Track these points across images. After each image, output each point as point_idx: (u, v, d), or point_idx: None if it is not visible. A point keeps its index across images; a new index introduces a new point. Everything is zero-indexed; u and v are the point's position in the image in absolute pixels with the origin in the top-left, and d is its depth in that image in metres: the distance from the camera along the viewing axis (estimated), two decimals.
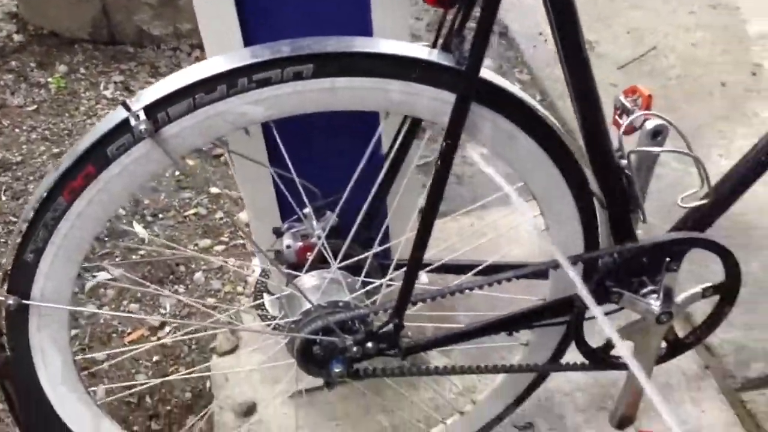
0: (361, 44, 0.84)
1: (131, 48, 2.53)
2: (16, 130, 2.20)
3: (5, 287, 0.86)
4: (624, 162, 0.94)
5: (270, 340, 1.23)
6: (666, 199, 0.96)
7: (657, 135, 0.92)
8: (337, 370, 1.00)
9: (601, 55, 2.42)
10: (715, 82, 2.29)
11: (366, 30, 1.01)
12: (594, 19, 2.59)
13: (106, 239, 1.82)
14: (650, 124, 0.91)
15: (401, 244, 1.08)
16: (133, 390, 1.46)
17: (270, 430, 1.42)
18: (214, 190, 2.01)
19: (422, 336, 1.06)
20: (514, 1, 2.63)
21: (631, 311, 1.06)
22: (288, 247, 1.06)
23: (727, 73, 2.32)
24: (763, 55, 2.40)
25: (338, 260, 1.02)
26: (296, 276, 1.04)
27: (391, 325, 0.99)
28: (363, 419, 1.44)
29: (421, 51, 0.84)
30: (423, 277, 1.27)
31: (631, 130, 0.93)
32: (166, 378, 1.50)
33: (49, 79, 2.39)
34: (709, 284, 1.07)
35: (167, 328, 1.65)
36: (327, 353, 0.99)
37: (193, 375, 1.53)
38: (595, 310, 0.85)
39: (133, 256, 1.81)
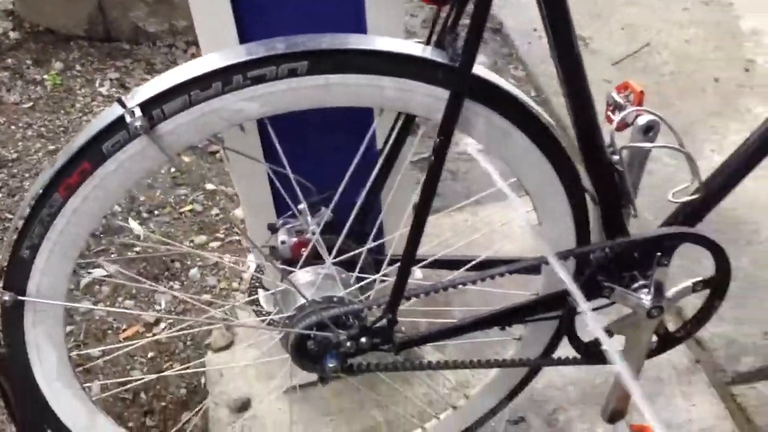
0: (355, 41, 0.84)
1: (127, 45, 2.53)
2: (12, 127, 2.21)
3: (1, 283, 0.87)
4: (616, 158, 0.94)
5: (265, 335, 1.23)
6: (659, 195, 0.97)
7: (649, 131, 0.92)
8: (331, 365, 1.00)
9: (595, 51, 2.43)
10: (708, 78, 2.31)
11: (360, 27, 1.01)
12: (589, 16, 2.59)
13: (102, 236, 1.83)
14: (642, 120, 0.92)
15: (395, 240, 1.09)
16: (128, 386, 1.47)
17: (264, 425, 1.43)
18: (209, 186, 2.01)
19: (416, 331, 1.07)
20: None
21: (623, 306, 1.07)
22: (283, 242, 1.06)
23: (720, 69, 2.34)
24: (755, 51, 2.41)
25: (332, 256, 1.03)
26: (291, 271, 1.04)
27: (384, 321, 0.99)
28: (357, 414, 1.44)
29: (414, 48, 0.85)
30: (417, 272, 1.28)
31: (623, 125, 0.93)
32: (162, 374, 1.50)
33: (45, 76, 2.39)
34: (699, 279, 1.08)
35: (162, 325, 1.65)
36: (321, 348, 1.00)
37: (188, 371, 1.53)
38: (582, 304, 0.86)
39: (129, 253, 1.81)
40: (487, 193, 0.99)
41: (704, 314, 1.14)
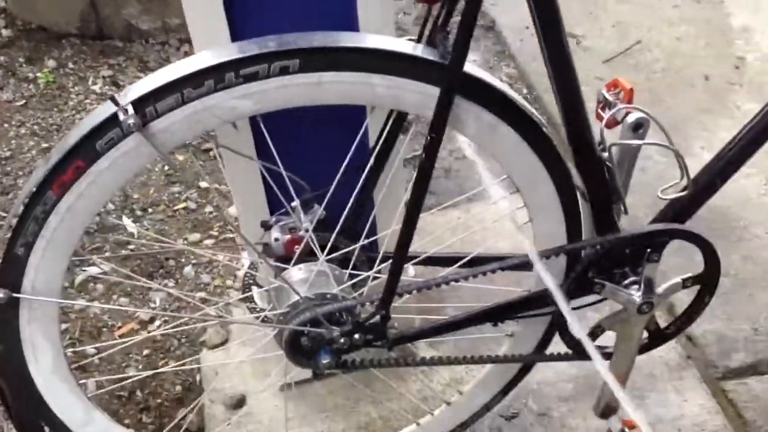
0: (346, 39, 0.85)
1: (120, 42, 2.53)
2: (5, 125, 2.21)
3: None
4: (606, 155, 0.95)
5: (259, 332, 1.24)
6: (650, 192, 0.98)
7: (638, 128, 0.93)
8: (325, 361, 1.01)
9: (587, 48, 2.44)
10: (699, 75, 2.32)
11: (352, 25, 1.02)
12: (581, 13, 2.60)
13: (96, 234, 1.83)
14: (631, 118, 0.93)
15: (388, 237, 1.09)
16: (123, 383, 1.47)
17: (260, 422, 1.44)
18: (203, 184, 2.02)
19: (409, 327, 1.07)
20: None
21: (614, 302, 1.08)
22: (276, 240, 1.07)
23: (711, 67, 2.35)
24: (745, 49, 2.42)
25: (326, 253, 1.04)
26: (284, 268, 1.05)
27: (377, 317, 1.00)
28: (352, 411, 1.45)
29: (405, 46, 0.86)
30: (410, 269, 1.28)
31: (613, 123, 0.94)
32: (157, 370, 1.51)
33: (38, 74, 2.39)
34: (689, 275, 1.09)
35: (157, 322, 1.66)
36: (315, 344, 1.00)
37: (183, 367, 1.54)
38: (562, 304, 0.87)
39: (123, 251, 1.81)
40: (479, 191, 1.00)
41: (695, 310, 1.15)
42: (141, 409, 1.49)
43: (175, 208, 1.95)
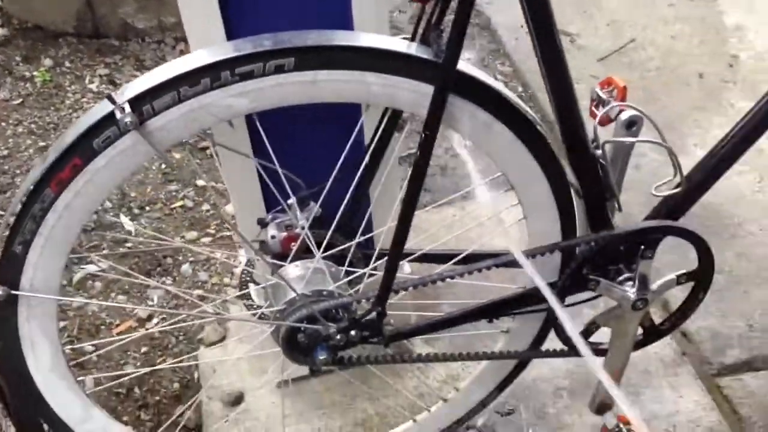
0: (341, 38, 0.85)
1: (116, 41, 2.53)
2: (2, 123, 2.21)
3: None
4: (599, 152, 0.96)
5: (256, 329, 1.25)
6: (645, 189, 0.99)
7: (632, 126, 0.94)
8: (321, 358, 1.01)
9: (581, 47, 2.45)
10: (693, 73, 2.33)
11: (347, 24, 1.03)
12: (575, 12, 2.61)
13: (93, 232, 1.83)
14: (625, 115, 0.93)
15: (384, 234, 1.10)
16: (121, 379, 1.48)
17: (257, 418, 1.44)
18: (200, 182, 2.02)
19: (405, 324, 1.08)
20: None
21: (608, 298, 1.09)
22: (273, 237, 1.07)
23: (705, 65, 2.36)
24: (739, 47, 2.44)
25: (322, 250, 1.04)
26: (281, 266, 1.06)
27: (374, 313, 1.00)
28: (349, 407, 1.46)
29: (400, 44, 0.86)
30: (406, 267, 1.29)
31: (606, 120, 0.94)
32: (155, 367, 1.51)
33: (35, 73, 2.39)
34: (683, 271, 1.10)
35: (155, 320, 1.66)
36: (311, 341, 1.01)
37: (181, 364, 1.54)
38: (552, 301, 0.87)
39: (120, 249, 1.82)
40: (474, 189, 1.00)
41: (689, 306, 1.15)
42: (139, 406, 1.50)
43: (173, 206, 1.95)
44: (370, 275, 1.09)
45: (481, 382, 1.27)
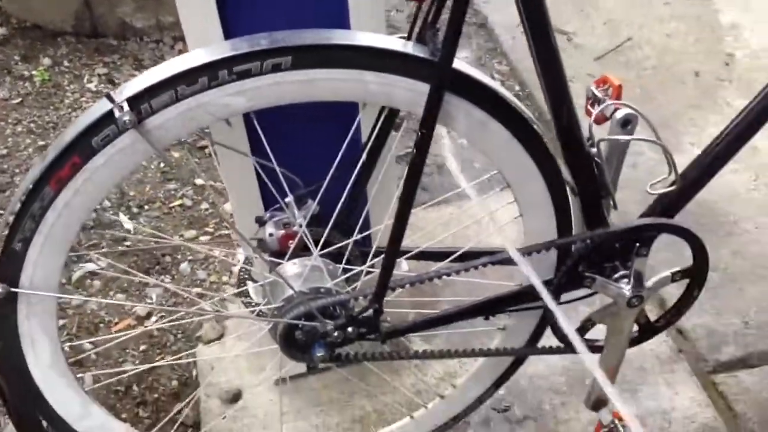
0: (338, 37, 0.86)
1: (114, 41, 2.54)
2: (1, 123, 2.21)
3: None
4: (594, 150, 0.96)
5: (254, 326, 1.25)
6: (641, 187, 1.00)
7: (627, 124, 0.94)
8: (319, 355, 1.02)
9: (578, 46, 2.45)
10: (689, 71, 2.34)
11: (344, 23, 1.03)
12: (572, 11, 2.62)
13: (92, 230, 1.84)
14: (620, 114, 0.93)
15: (381, 232, 1.11)
16: (120, 376, 1.49)
17: (255, 416, 1.45)
18: (198, 181, 2.03)
19: (402, 321, 1.09)
20: None
21: (604, 295, 1.09)
22: (270, 235, 1.08)
23: (700, 63, 2.36)
24: (734, 46, 2.45)
25: (319, 248, 1.05)
26: (279, 263, 1.06)
27: (371, 311, 1.01)
28: (347, 404, 1.47)
29: (396, 43, 0.87)
30: (404, 264, 1.30)
31: (601, 119, 0.95)
32: (154, 364, 1.52)
33: (34, 72, 2.39)
34: (678, 269, 1.10)
35: (154, 318, 1.67)
36: (309, 338, 1.02)
37: (179, 361, 1.55)
38: (546, 298, 0.88)
39: (119, 247, 1.82)
40: (470, 188, 1.01)
41: (684, 303, 1.16)
42: (138, 403, 1.50)
43: (171, 205, 1.96)
44: (367, 273, 1.10)
45: (478, 379, 1.27)
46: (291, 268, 1.06)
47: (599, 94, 0.96)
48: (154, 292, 1.72)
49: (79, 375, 1.08)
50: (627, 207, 1.59)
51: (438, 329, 1.10)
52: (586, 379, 1.47)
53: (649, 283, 1.08)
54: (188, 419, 1.46)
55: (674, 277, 1.11)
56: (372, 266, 1.09)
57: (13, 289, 0.88)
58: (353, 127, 1.00)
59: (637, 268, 1.06)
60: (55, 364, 0.97)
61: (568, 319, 0.93)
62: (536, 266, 1.07)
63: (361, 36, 0.87)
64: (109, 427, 1.06)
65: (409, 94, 0.88)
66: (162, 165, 2.05)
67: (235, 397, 1.48)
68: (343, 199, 1.06)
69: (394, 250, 0.96)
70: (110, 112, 0.81)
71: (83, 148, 0.83)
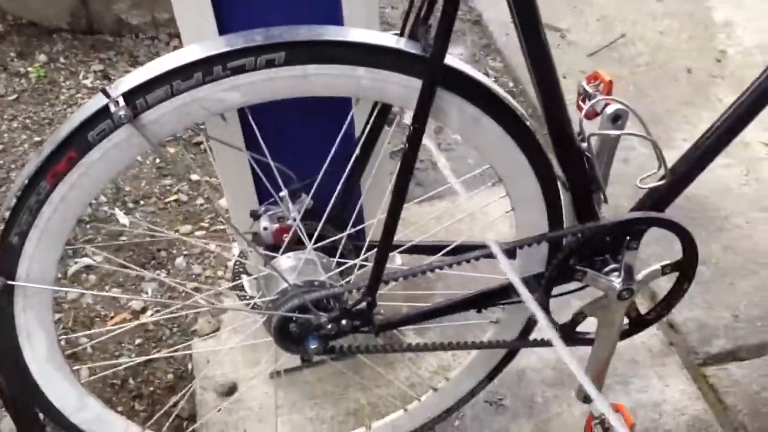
0: (331, 33, 0.86)
1: (110, 37, 2.54)
2: None
3: None
4: (585, 145, 0.97)
5: (249, 319, 1.26)
6: (633, 182, 1.01)
7: (617, 119, 0.95)
8: (313, 347, 1.03)
9: (572, 42, 2.46)
10: (682, 68, 2.35)
11: (337, 19, 1.04)
12: (565, 7, 2.63)
13: (88, 224, 1.85)
14: (610, 109, 0.94)
15: (374, 226, 1.12)
16: (116, 369, 1.49)
17: (250, 408, 1.46)
18: (194, 177, 2.03)
19: (395, 314, 1.10)
20: None
21: (595, 288, 1.10)
22: (265, 229, 1.09)
23: (693, 60, 2.38)
24: (727, 43, 2.46)
25: (313, 241, 1.06)
26: (273, 257, 1.07)
27: (364, 303, 1.02)
28: (341, 397, 1.48)
29: (388, 39, 0.87)
30: (397, 258, 1.31)
31: (592, 114, 0.96)
32: (149, 357, 1.53)
33: (29, 69, 2.40)
34: (668, 262, 1.12)
35: (149, 312, 1.68)
36: (303, 330, 1.03)
37: (175, 353, 1.56)
38: (523, 293, 0.89)
39: (115, 242, 1.83)
40: (465, 181, 1.02)
41: (674, 296, 1.17)
42: (133, 396, 1.51)
43: (167, 200, 1.96)
44: (361, 266, 1.11)
45: (471, 371, 1.29)
46: (285, 261, 1.07)
47: (590, 90, 0.97)
48: (149, 286, 1.73)
49: (76, 368, 1.08)
50: (618, 201, 1.61)
51: (431, 322, 1.11)
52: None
53: (639, 276, 1.09)
54: (184, 412, 1.47)
55: (664, 270, 1.12)
56: (365, 260, 1.10)
57: (9, 282, 0.89)
58: (347, 122, 1.01)
59: (628, 262, 1.07)
60: (51, 357, 0.98)
61: (543, 312, 0.93)
62: (528, 260, 1.08)
63: (353, 32, 0.87)
64: (105, 419, 1.07)
65: (401, 89, 0.88)
66: (157, 161, 2.06)
67: (231, 390, 1.49)
68: (336, 194, 1.07)
69: (387, 244, 0.97)
70: (106, 107, 0.82)
71: (79, 142, 0.84)
